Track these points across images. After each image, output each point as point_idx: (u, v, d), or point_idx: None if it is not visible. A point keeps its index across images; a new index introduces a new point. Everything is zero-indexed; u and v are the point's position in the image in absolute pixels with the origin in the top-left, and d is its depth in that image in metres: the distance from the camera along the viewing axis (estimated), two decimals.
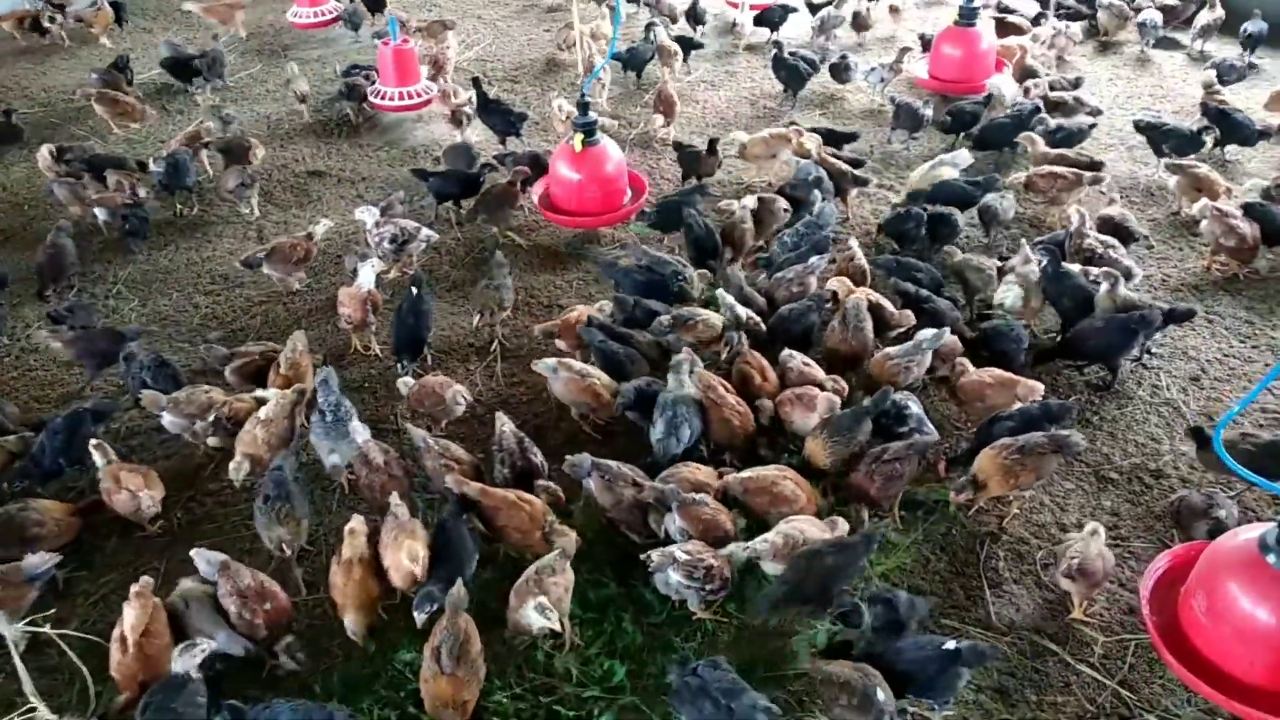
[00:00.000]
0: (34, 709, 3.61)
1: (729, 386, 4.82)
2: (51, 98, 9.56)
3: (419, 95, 8.72)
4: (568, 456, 4.39)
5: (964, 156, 6.97)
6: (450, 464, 4.44)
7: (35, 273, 6.34)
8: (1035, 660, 3.89)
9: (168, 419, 4.90)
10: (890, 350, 5.03)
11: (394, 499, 4.19)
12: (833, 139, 7.57)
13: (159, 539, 4.60)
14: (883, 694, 3.40)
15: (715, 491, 4.36)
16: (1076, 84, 8.41)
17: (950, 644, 3.49)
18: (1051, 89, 8.22)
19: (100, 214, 6.91)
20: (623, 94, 9.27)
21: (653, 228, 6.70)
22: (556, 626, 3.74)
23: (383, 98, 8.71)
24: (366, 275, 5.78)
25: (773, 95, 9.17)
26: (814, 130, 7.47)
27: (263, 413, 4.71)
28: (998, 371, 4.92)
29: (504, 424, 4.60)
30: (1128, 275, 5.68)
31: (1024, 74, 8.68)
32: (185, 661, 3.47)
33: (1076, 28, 9.70)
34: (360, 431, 4.65)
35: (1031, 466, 4.31)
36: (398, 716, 3.72)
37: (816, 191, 6.52)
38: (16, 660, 3.69)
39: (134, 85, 9.09)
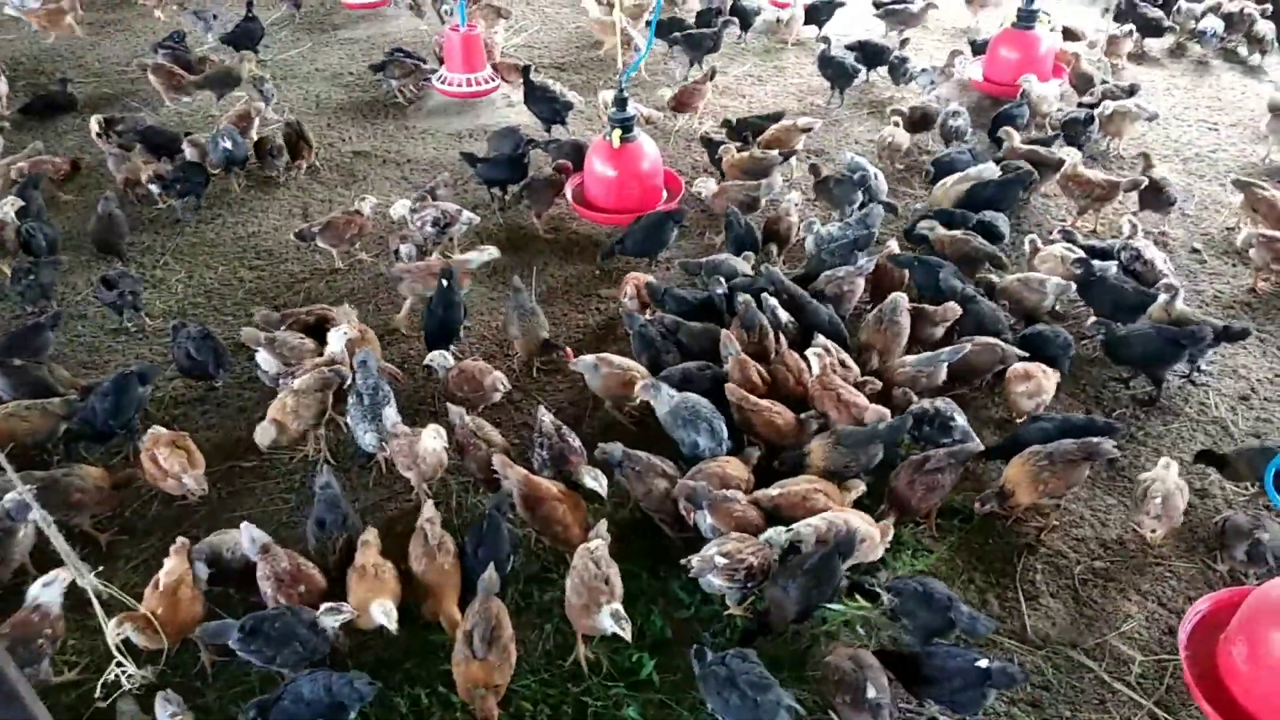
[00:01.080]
0: (120, 664, 3.65)
1: (763, 376, 4.86)
2: (105, 68, 9.71)
3: (485, 82, 8.78)
4: (600, 445, 4.40)
5: (990, 169, 6.83)
6: (481, 444, 4.47)
7: (91, 241, 6.44)
8: (1070, 675, 3.84)
9: (262, 356, 5.02)
10: (907, 359, 5.02)
11: (426, 510, 4.15)
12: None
13: (200, 508, 4.66)
14: (874, 690, 3.40)
15: (746, 484, 4.35)
16: (1132, 91, 8.26)
17: (983, 662, 3.44)
18: (1105, 96, 8.08)
19: (154, 187, 6.99)
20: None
21: (625, 253, 6.42)
22: (627, 636, 3.67)
23: (447, 83, 8.76)
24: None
25: (819, 91, 9.09)
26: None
27: (297, 382, 4.75)
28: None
29: (544, 415, 4.59)
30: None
31: (1081, 80, 8.54)
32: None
33: (1153, 42, 9.58)
34: (391, 417, 4.63)
35: (1061, 475, 4.27)
36: (428, 694, 3.75)
37: (860, 192, 6.49)
38: (100, 612, 3.66)
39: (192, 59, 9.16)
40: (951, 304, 5.35)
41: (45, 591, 3.75)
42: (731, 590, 3.90)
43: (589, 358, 5.01)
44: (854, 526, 3.95)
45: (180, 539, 3.93)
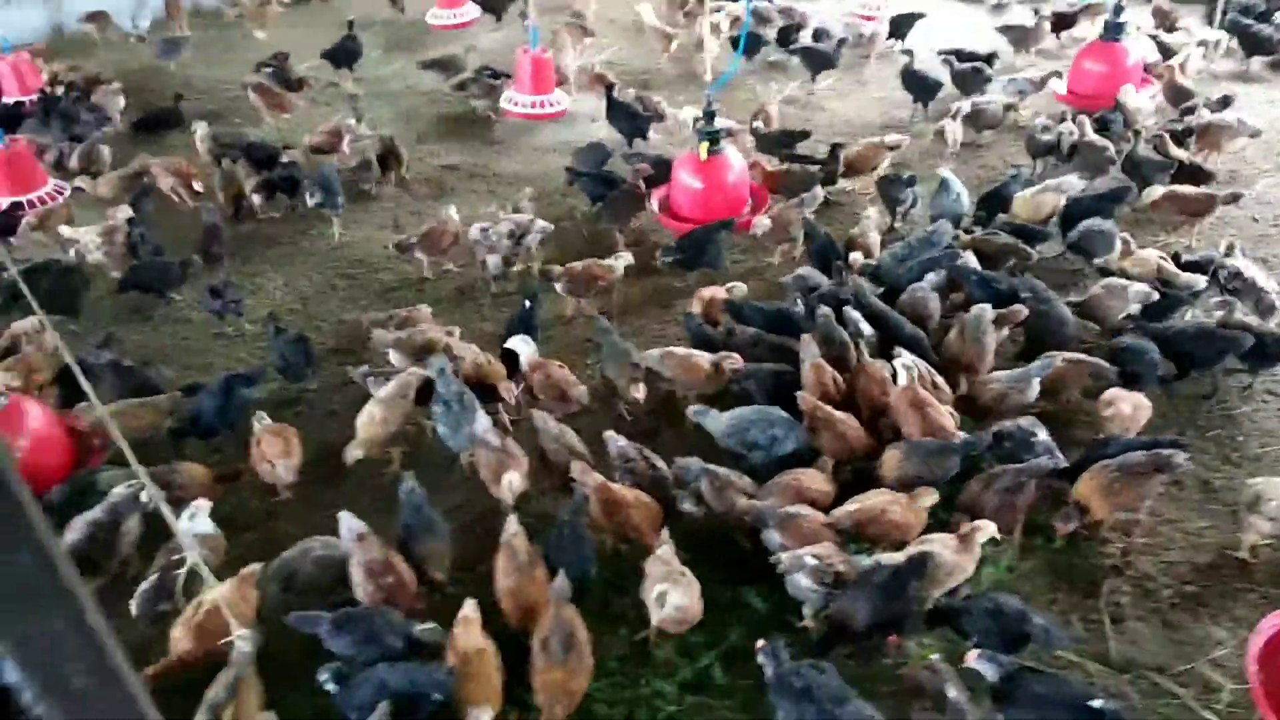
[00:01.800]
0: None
1: (839, 385, 4.87)
2: (211, 85, 10.22)
3: (553, 105, 9.00)
4: (676, 460, 4.45)
5: (1072, 182, 6.68)
6: (563, 451, 4.56)
7: (196, 250, 6.76)
8: (1156, 700, 3.74)
9: (393, 355, 5.30)
10: (997, 374, 4.92)
11: (510, 526, 4.13)
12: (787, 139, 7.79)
13: (295, 506, 4.85)
14: (954, 691, 3.37)
15: (827, 497, 4.34)
16: (1225, 103, 8.00)
17: (1098, 702, 3.31)
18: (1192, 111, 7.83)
19: (256, 198, 7.34)
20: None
21: (678, 264, 6.48)
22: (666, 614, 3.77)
23: (516, 104, 9.01)
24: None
25: (901, 104, 9.04)
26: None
27: (382, 392, 4.91)
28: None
29: (616, 440, 4.58)
30: (1269, 310, 5.43)
31: (1175, 94, 8.32)
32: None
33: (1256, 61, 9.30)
34: (483, 423, 4.68)
35: (1133, 486, 4.18)
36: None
37: (910, 191, 6.46)
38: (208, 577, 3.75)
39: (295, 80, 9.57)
40: (1018, 306, 5.28)
41: (195, 524, 4.14)
42: (815, 596, 3.90)
43: (654, 352, 5.18)
44: (943, 560, 3.87)
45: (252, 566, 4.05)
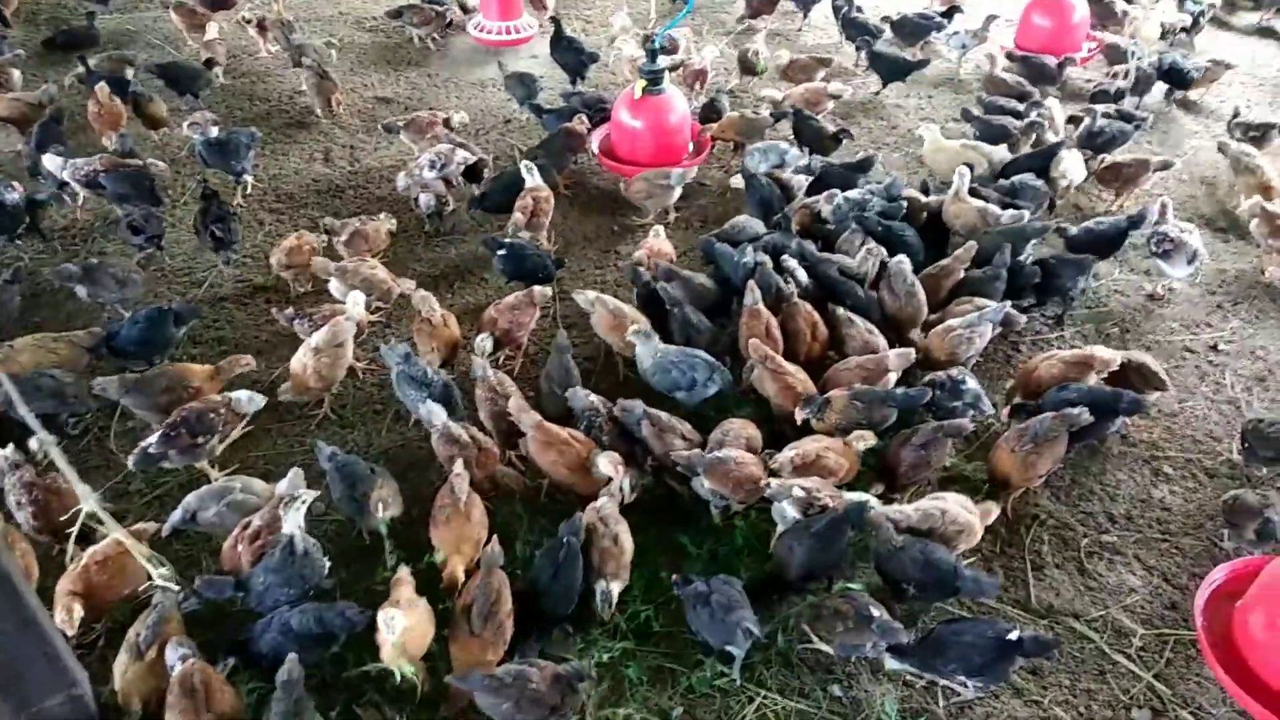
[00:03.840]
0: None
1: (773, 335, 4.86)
2: (125, 3, 9.63)
3: (519, 30, 8.86)
4: (620, 401, 4.42)
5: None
6: (499, 399, 4.48)
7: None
8: (1072, 645, 3.88)
9: (334, 285, 5.34)
10: (952, 321, 4.93)
11: (457, 466, 4.02)
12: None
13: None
14: (877, 609, 3.56)
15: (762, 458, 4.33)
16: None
17: (1014, 634, 3.45)
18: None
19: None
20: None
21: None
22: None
23: (484, 31, 8.85)
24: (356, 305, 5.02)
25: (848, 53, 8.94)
26: None
27: (315, 339, 4.75)
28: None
29: (582, 396, 4.46)
30: (1192, 258, 5.61)
31: (1111, 53, 8.40)
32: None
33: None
34: (440, 415, 4.29)
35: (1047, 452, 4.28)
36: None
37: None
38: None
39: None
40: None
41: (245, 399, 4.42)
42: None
43: (589, 293, 5.08)
44: (952, 516, 3.92)
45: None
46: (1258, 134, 7.05)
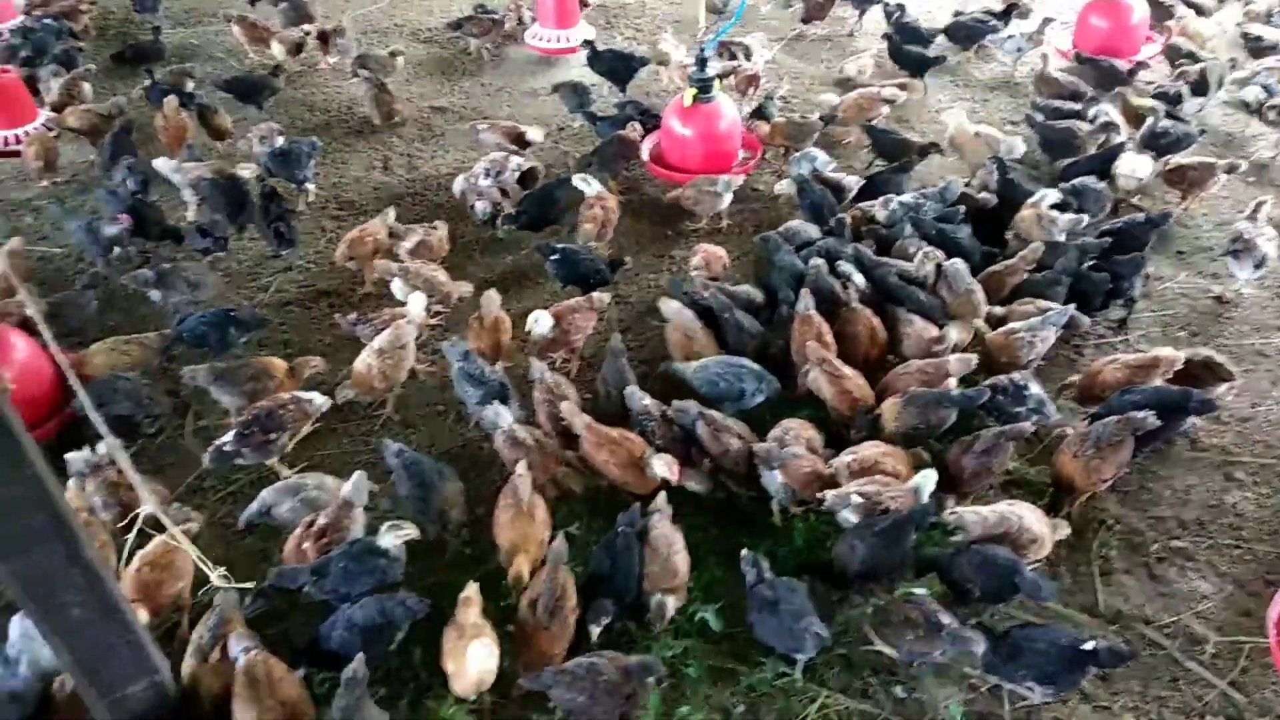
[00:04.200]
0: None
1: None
2: (189, 19, 9.92)
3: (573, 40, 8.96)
4: (674, 402, 4.43)
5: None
6: (556, 401, 4.51)
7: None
8: (1143, 651, 3.79)
9: (397, 285, 5.37)
10: (1015, 324, 4.87)
11: (520, 467, 4.08)
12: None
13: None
14: (946, 617, 3.51)
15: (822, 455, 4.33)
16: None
17: (1090, 644, 3.40)
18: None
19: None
20: None
21: (521, 226, 6.26)
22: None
23: (541, 40, 9.01)
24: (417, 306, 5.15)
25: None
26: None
27: (377, 342, 4.82)
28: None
29: (639, 398, 4.48)
30: (1260, 263, 5.47)
31: (1170, 51, 8.23)
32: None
33: None
34: (506, 417, 4.41)
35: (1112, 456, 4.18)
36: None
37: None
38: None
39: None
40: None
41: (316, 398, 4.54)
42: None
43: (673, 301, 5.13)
44: (1027, 525, 3.89)
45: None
46: None
